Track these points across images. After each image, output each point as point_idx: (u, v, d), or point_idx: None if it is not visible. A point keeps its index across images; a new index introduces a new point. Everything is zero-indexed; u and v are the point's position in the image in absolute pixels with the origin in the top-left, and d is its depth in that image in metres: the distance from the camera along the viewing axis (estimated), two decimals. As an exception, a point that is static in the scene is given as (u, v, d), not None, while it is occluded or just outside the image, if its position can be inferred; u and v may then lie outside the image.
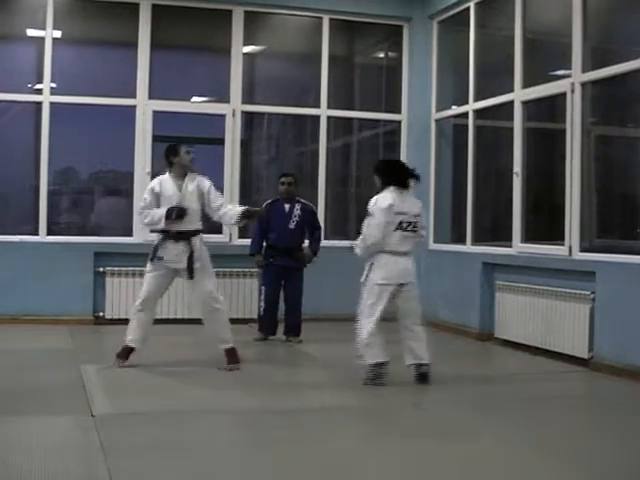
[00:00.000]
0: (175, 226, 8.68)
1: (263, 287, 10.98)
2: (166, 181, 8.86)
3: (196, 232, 8.82)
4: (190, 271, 8.67)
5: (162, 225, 8.70)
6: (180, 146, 8.88)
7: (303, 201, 11.14)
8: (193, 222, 8.82)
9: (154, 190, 8.83)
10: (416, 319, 8.37)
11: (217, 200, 8.91)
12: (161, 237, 8.81)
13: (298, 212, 10.89)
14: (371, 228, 8.11)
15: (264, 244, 10.92)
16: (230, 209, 8.96)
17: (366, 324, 8.14)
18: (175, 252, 8.72)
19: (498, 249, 11.32)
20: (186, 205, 8.70)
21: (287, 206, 10.89)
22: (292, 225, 10.83)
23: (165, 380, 8.45)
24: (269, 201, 11.02)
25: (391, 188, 8.17)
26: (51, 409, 6.98)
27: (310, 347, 10.53)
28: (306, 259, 10.91)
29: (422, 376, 8.27)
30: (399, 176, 8.25)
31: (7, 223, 12.31)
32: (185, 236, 8.72)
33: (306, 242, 11.00)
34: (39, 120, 12.06)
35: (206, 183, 8.91)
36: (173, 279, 9.07)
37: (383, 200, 8.09)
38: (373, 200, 8.22)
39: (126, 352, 8.94)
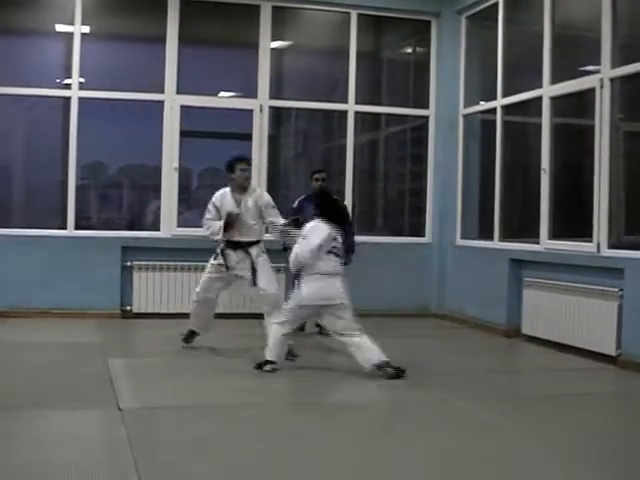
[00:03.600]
0: (234, 237, 9.25)
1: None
2: (226, 195, 9.39)
3: (254, 242, 9.30)
4: (253, 279, 9.23)
5: (221, 235, 9.23)
6: (237, 163, 9.34)
7: (335, 197, 11.16)
8: (251, 234, 9.31)
9: (215, 204, 9.38)
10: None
11: (270, 216, 9.32)
12: (223, 245, 9.34)
13: None
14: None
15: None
16: (275, 222, 9.36)
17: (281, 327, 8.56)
18: (235, 260, 9.29)
19: (526, 245, 11.27)
20: (237, 212, 9.19)
21: None
22: None
23: (193, 374, 8.48)
24: (302, 197, 11.03)
25: (319, 219, 8.54)
26: (78, 403, 7.00)
27: (335, 341, 10.51)
28: (345, 262, 10.93)
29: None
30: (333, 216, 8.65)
31: (36, 217, 12.41)
32: (242, 245, 9.27)
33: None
34: (67, 115, 12.11)
35: (265, 198, 9.45)
36: (231, 282, 9.55)
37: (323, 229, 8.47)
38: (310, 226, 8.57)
39: (189, 335, 9.66)
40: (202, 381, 8.16)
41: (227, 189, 9.43)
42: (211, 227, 9.35)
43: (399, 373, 8.28)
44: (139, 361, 9.05)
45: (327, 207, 8.80)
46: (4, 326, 10.86)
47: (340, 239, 8.59)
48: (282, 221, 9.28)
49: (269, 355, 8.50)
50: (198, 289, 9.60)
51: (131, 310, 12.06)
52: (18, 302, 11.56)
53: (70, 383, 7.72)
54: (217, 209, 9.35)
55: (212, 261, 9.47)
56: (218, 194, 9.46)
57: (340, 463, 5.61)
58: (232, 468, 5.44)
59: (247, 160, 9.57)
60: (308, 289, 8.46)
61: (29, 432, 6.11)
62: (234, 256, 9.30)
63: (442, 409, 7.29)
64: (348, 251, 10.82)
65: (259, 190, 9.57)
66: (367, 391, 7.90)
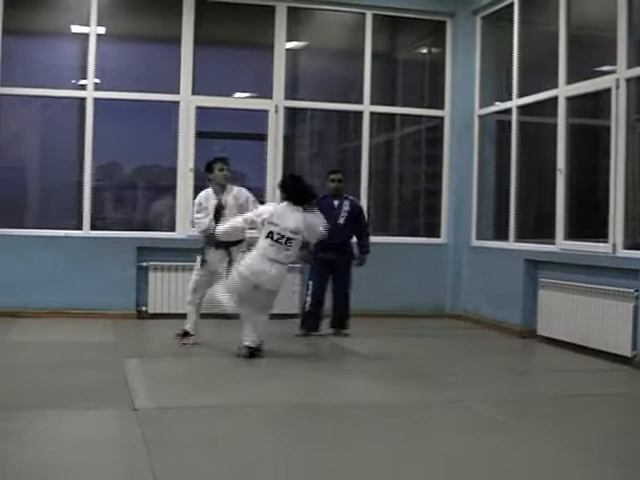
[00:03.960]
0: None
1: (310, 282, 10.98)
2: (209, 194, 9.79)
3: (235, 242, 9.54)
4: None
5: (213, 225, 9.51)
6: (215, 163, 9.80)
7: (351, 197, 11.21)
8: None
9: (201, 204, 9.79)
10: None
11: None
12: (205, 244, 9.76)
13: (347, 208, 10.93)
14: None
15: None
16: None
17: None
18: (214, 257, 9.64)
19: (541, 246, 11.24)
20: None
21: (336, 202, 10.93)
22: (341, 220, 10.85)
23: (208, 374, 8.50)
24: (319, 197, 11.06)
25: (285, 203, 9.05)
26: (94, 403, 7.01)
27: (350, 341, 10.52)
28: (360, 262, 10.94)
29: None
30: (296, 195, 9.07)
31: (52, 218, 12.43)
32: (223, 245, 9.55)
33: (354, 239, 11.04)
34: (83, 116, 12.15)
35: (243, 195, 9.81)
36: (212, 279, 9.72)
37: (266, 208, 9.23)
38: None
39: (184, 334, 9.90)
40: (217, 381, 8.18)
41: (209, 189, 9.83)
42: (203, 223, 9.69)
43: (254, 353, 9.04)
44: (154, 361, 9.07)
45: (289, 190, 9.18)
46: (20, 326, 10.89)
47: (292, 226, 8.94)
48: None
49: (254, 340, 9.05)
50: (189, 294, 10.03)
51: (146, 310, 12.08)
52: (34, 302, 11.60)
53: (85, 383, 7.73)
54: (204, 208, 9.72)
55: (196, 264, 9.93)
56: (202, 194, 9.88)
57: (354, 464, 5.60)
58: (247, 468, 5.43)
59: (225, 160, 9.88)
60: (246, 262, 8.90)
61: (44, 432, 6.13)
62: (214, 254, 9.65)
63: (458, 410, 7.26)
64: (363, 252, 10.88)
65: (237, 188, 9.84)
66: (381, 392, 7.89)
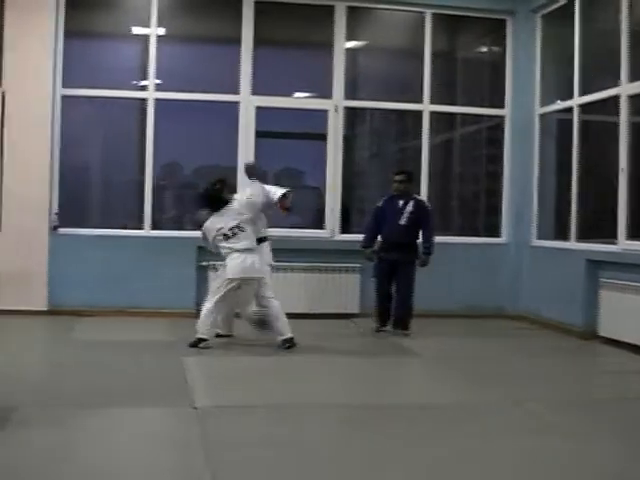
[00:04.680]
0: None
1: (374, 279, 11.06)
2: None
3: (260, 240, 9.89)
4: None
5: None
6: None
7: (419, 198, 11.23)
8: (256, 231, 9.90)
9: None
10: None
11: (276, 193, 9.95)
12: None
13: (410, 209, 10.91)
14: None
15: (378, 239, 11.05)
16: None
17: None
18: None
19: (603, 246, 11.12)
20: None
21: (401, 202, 10.93)
22: (403, 221, 10.85)
23: (267, 373, 8.52)
24: (385, 197, 11.10)
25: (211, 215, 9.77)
26: (153, 401, 7.08)
27: (410, 341, 10.49)
28: (423, 263, 10.90)
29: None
30: (207, 204, 9.87)
31: (113, 217, 12.58)
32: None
33: (420, 239, 11.04)
34: (144, 116, 12.26)
35: (256, 190, 9.88)
36: None
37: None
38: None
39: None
40: (275, 379, 8.20)
41: None
42: None
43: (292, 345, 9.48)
44: (213, 360, 9.12)
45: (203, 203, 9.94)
46: (83, 324, 11.02)
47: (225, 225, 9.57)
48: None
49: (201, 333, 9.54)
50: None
51: (206, 310, 12.13)
52: (95, 301, 11.74)
53: (145, 381, 7.81)
54: None
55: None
56: None
57: (411, 465, 5.59)
58: (305, 470, 5.44)
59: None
60: (230, 270, 9.48)
61: (104, 430, 6.19)
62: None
63: (516, 411, 7.20)
64: (425, 252, 10.86)
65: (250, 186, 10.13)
66: (441, 392, 7.87)
